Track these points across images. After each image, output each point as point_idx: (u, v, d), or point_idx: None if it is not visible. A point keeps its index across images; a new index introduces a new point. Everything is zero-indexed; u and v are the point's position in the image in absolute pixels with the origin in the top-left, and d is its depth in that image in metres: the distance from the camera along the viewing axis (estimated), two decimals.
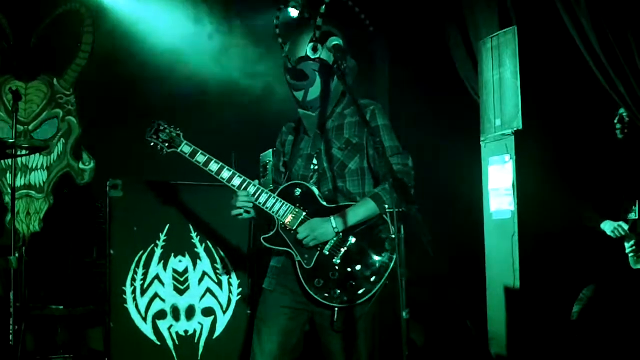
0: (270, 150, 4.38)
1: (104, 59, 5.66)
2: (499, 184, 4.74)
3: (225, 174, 2.90)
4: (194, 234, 4.09)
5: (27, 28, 5.33)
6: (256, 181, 2.91)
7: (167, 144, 3.00)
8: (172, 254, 4.06)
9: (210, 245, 4.10)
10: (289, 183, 2.91)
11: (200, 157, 2.95)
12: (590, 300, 4.13)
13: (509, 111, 4.67)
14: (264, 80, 5.77)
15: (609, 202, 4.14)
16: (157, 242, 4.03)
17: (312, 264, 2.78)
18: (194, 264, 4.09)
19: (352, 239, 2.78)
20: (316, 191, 2.85)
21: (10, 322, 4.04)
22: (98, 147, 5.50)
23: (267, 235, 2.87)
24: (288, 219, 2.82)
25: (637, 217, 4.02)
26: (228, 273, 4.16)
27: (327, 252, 2.78)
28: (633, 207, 4.04)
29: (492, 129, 4.84)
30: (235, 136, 5.71)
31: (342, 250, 2.78)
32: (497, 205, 4.77)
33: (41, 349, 4.89)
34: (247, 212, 2.90)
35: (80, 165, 5.20)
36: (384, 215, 2.77)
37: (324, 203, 2.83)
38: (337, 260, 2.77)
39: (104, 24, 5.59)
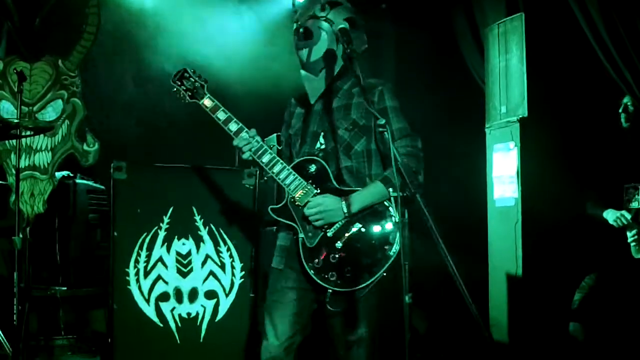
0: (274, 135, 4.37)
1: (108, 40, 5.65)
2: (503, 171, 4.74)
3: (244, 136, 2.85)
4: (197, 217, 4.09)
5: (32, 9, 5.31)
6: (275, 148, 2.88)
7: (189, 94, 2.93)
8: (176, 237, 4.06)
9: (214, 229, 4.10)
10: (304, 158, 2.88)
11: (222, 115, 2.89)
12: (591, 289, 4.14)
13: (515, 98, 4.66)
14: (271, 64, 5.76)
15: (612, 191, 4.13)
16: (161, 224, 4.03)
17: (315, 244, 2.78)
18: (198, 247, 4.09)
19: (358, 226, 2.77)
20: (329, 170, 2.83)
21: (14, 303, 4.05)
22: (103, 129, 5.52)
23: (275, 207, 2.85)
24: (298, 194, 2.80)
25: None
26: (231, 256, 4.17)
27: (331, 235, 2.78)
28: (636, 196, 4.03)
29: (498, 116, 4.83)
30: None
31: (346, 235, 2.77)
32: (500, 192, 4.77)
33: (44, 330, 4.91)
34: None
35: (85, 147, 5.19)
36: (391, 208, 2.75)
37: (335, 183, 2.81)
38: (339, 245, 2.76)
39: (109, 4, 5.57)
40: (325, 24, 2.87)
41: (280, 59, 5.66)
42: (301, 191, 2.80)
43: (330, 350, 3.04)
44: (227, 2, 6.22)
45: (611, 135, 4.31)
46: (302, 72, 2.96)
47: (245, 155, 2.86)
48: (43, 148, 5.10)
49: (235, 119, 2.87)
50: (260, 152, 2.84)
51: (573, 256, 4.39)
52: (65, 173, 5.30)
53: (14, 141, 4.56)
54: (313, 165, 2.84)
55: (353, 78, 2.91)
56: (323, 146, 2.90)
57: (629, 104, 4.20)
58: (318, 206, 2.76)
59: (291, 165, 2.85)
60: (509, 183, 4.68)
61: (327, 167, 2.83)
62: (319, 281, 2.75)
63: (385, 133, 2.44)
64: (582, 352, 4.09)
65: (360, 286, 2.73)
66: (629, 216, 3.99)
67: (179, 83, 2.95)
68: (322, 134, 2.91)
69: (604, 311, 4.05)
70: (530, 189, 4.56)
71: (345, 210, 2.75)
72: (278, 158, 2.84)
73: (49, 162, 5.11)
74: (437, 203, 3.19)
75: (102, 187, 5.36)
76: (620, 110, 4.23)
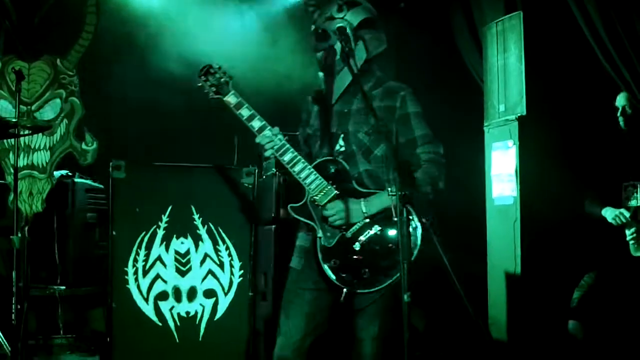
0: None
1: (109, 39, 5.65)
2: (502, 169, 4.74)
3: (267, 133, 2.83)
4: (196, 216, 4.09)
5: (30, 8, 5.31)
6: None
7: (214, 89, 2.90)
8: (175, 236, 4.06)
9: (213, 227, 4.10)
10: (325, 158, 2.86)
11: (245, 111, 2.86)
12: (590, 287, 4.14)
13: (513, 97, 4.67)
14: (274, 64, 5.75)
15: (611, 189, 4.13)
16: (160, 223, 4.03)
17: (333, 244, 2.77)
18: (196, 246, 4.09)
19: (377, 228, 2.76)
20: (350, 172, 2.83)
21: (13, 302, 4.05)
22: (101, 128, 5.50)
23: (295, 205, 2.83)
24: (318, 193, 2.78)
25: (638, 205, 4.01)
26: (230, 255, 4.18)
27: (350, 235, 2.77)
28: (635, 195, 4.03)
29: (496, 114, 4.84)
30: (238, 119, 5.69)
31: (365, 237, 2.76)
32: (499, 191, 4.78)
33: (43, 329, 4.91)
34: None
35: (83, 146, 5.18)
36: (412, 213, 2.72)
37: (356, 185, 2.81)
38: (357, 246, 2.76)
39: (109, 4, 5.57)
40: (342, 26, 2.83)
41: (284, 58, 5.65)
42: (321, 191, 2.79)
43: (343, 348, 3.04)
44: (229, 2, 6.21)
45: (610, 134, 4.31)
46: (320, 73, 2.94)
47: (268, 153, 2.84)
48: (41, 147, 5.09)
49: (259, 116, 2.84)
50: (282, 150, 2.82)
51: (572, 254, 4.39)
52: (63, 172, 5.30)
53: (12, 140, 4.55)
54: (334, 165, 2.83)
55: (374, 80, 2.91)
56: (343, 148, 2.88)
57: (626, 106, 4.18)
58: (338, 206, 2.75)
59: (312, 164, 2.83)
60: (507, 181, 4.68)
61: (347, 168, 2.83)
62: (335, 281, 2.74)
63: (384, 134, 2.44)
64: (581, 350, 4.09)
65: (376, 288, 2.73)
66: (627, 214, 4.00)
67: (204, 78, 2.91)
68: (342, 135, 2.90)
69: (603, 309, 4.05)
70: (529, 187, 4.56)
71: (365, 212, 2.74)
72: (300, 157, 2.81)
73: (47, 161, 5.10)
74: (436, 201, 3.19)
75: (101, 186, 5.34)
76: (618, 114, 4.22)
